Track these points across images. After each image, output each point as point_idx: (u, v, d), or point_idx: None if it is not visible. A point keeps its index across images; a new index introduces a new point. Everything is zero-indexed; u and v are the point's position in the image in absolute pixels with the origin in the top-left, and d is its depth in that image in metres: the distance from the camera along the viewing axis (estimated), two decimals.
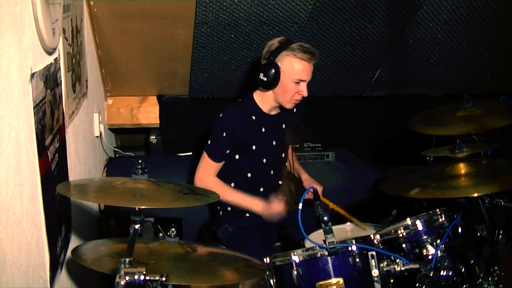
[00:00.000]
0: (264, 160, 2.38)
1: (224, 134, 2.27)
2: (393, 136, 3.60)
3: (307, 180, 2.51)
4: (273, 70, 2.20)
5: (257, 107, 2.34)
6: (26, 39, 1.35)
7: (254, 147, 2.33)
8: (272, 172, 2.43)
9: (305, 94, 2.23)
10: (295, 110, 2.43)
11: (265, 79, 2.22)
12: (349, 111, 3.71)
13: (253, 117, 2.33)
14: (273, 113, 2.38)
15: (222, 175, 2.38)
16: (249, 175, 2.38)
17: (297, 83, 2.21)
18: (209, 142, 2.30)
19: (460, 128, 1.94)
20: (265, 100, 2.33)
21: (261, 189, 2.41)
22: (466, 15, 2.95)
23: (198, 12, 2.63)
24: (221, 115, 2.28)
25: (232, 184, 2.39)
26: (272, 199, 2.30)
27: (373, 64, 3.29)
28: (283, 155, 2.48)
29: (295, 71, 2.19)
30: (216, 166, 2.33)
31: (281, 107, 2.35)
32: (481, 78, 3.55)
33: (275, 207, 2.27)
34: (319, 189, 2.33)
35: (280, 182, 2.47)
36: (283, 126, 2.43)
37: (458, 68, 3.42)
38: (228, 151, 2.31)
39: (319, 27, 2.90)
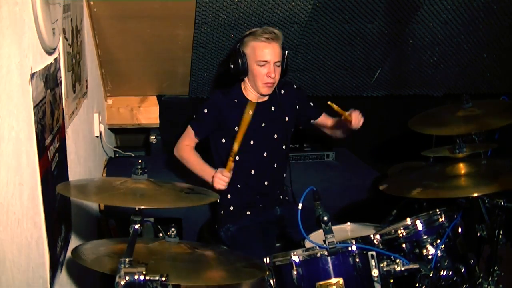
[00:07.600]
0: (252, 142, 2.38)
1: (206, 110, 2.38)
2: (393, 136, 3.59)
3: (350, 115, 2.36)
4: (238, 57, 2.28)
5: (243, 95, 2.40)
6: (26, 39, 1.35)
7: (237, 128, 2.29)
8: (265, 154, 2.43)
9: (273, 75, 2.27)
10: (282, 91, 2.45)
11: (232, 66, 2.31)
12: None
13: (240, 102, 2.38)
14: (260, 100, 2.41)
15: (212, 160, 2.44)
16: (237, 158, 2.35)
17: (262, 65, 2.26)
18: (194, 116, 2.41)
19: (460, 128, 1.94)
20: (248, 90, 2.39)
21: (252, 172, 2.42)
22: (466, 15, 2.95)
23: (198, 12, 2.63)
24: (208, 96, 2.38)
25: None
26: (218, 171, 2.26)
27: (373, 64, 3.29)
28: (275, 136, 2.44)
29: (256, 53, 2.26)
30: (193, 135, 2.42)
31: (270, 95, 2.38)
32: (481, 78, 3.54)
33: (216, 179, 2.24)
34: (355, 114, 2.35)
35: (276, 165, 2.46)
36: (272, 108, 2.44)
37: (458, 68, 3.42)
38: (208, 127, 2.39)
39: (319, 27, 2.90)
